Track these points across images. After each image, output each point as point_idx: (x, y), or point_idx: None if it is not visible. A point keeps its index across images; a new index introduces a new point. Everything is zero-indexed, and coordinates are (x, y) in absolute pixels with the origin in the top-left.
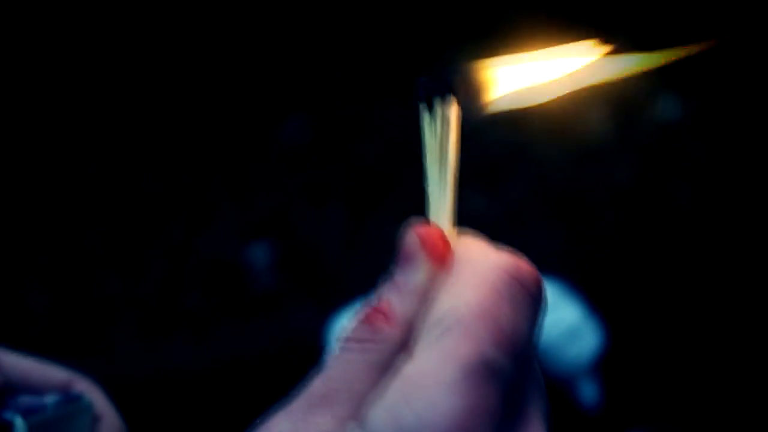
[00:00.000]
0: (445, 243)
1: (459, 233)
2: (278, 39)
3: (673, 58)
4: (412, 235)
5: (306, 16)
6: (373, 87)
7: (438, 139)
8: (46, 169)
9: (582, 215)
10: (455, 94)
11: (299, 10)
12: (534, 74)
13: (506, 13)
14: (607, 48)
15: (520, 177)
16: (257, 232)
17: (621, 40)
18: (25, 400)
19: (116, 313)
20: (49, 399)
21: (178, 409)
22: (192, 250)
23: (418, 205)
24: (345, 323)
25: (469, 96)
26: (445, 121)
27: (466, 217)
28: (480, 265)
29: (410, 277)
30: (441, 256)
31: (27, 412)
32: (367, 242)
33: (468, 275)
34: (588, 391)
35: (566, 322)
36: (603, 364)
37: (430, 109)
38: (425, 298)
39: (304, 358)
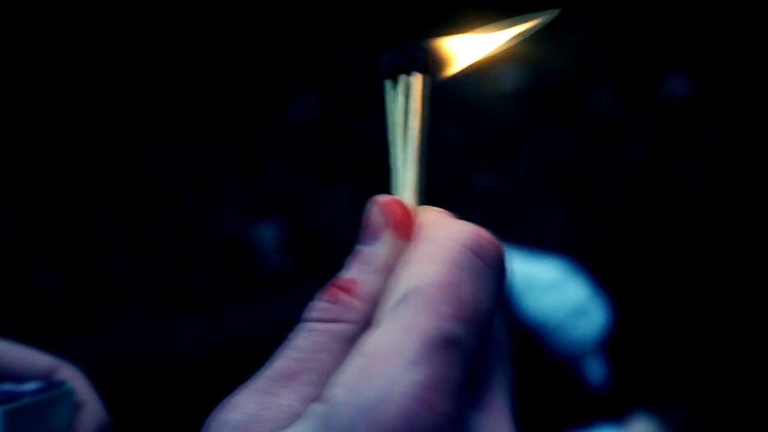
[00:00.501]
0: (409, 217)
1: (423, 207)
2: (286, 16)
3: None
4: (376, 210)
5: None
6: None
7: (402, 113)
8: (53, 149)
9: (589, 193)
10: (419, 69)
11: None
12: (480, 46)
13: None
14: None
15: (527, 155)
16: (265, 211)
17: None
18: (5, 387)
19: (125, 293)
20: (29, 386)
21: (186, 389)
22: (200, 230)
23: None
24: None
25: (431, 70)
26: (410, 96)
27: (474, 195)
28: (441, 239)
29: (374, 251)
30: (404, 230)
31: (4, 399)
32: None
33: (429, 249)
34: (595, 370)
35: (573, 300)
36: (610, 343)
37: (395, 84)
38: (389, 272)
39: None
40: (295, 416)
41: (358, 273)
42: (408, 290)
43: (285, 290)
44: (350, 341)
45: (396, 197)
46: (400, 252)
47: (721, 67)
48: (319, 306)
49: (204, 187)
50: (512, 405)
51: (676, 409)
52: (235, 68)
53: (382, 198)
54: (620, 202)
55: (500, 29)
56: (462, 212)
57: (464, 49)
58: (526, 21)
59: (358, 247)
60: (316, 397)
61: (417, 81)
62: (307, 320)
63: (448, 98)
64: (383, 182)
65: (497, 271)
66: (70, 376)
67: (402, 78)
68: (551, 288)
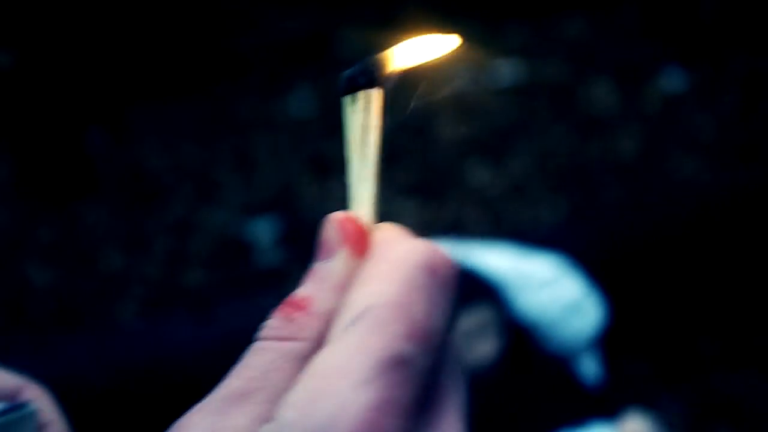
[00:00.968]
0: (365, 234)
1: (380, 224)
2: (280, 13)
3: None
4: (332, 227)
5: None
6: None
7: (360, 130)
8: (48, 147)
9: (585, 188)
10: (378, 85)
11: None
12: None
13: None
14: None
15: (523, 150)
16: (261, 208)
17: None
18: None
19: (119, 290)
20: None
21: (181, 386)
22: (195, 227)
23: (422, 179)
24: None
25: (389, 86)
26: (368, 113)
27: (469, 191)
28: (396, 258)
29: (329, 269)
30: (360, 248)
31: None
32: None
33: (383, 268)
34: (589, 367)
35: (567, 297)
36: (605, 340)
37: (353, 100)
38: (344, 290)
39: None
40: None
41: (313, 290)
42: (361, 310)
43: (280, 287)
44: (304, 360)
45: (353, 214)
46: (355, 270)
47: (717, 62)
48: (273, 324)
49: (199, 184)
50: (465, 423)
51: (671, 406)
52: (231, 65)
53: (338, 215)
54: (616, 197)
55: (440, 40)
56: (458, 207)
57: (414, 59)
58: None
59: (314, 265)
60: (269, 417)
61: (376, 97)
62: (260, 339)
63: (444, 94)
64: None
65: (451, 290)
66: (36, 396)
67: (360, 94)
68: (545, 285)
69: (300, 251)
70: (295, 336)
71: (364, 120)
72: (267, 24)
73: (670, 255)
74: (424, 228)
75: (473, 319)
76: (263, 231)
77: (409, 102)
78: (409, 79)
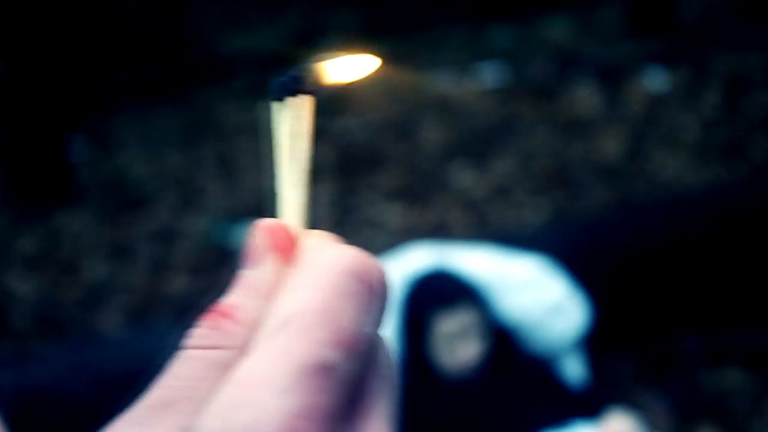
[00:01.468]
0: (292, 241)
1: (307, 231)
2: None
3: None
4: (259, 234)
5: None
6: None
7: (289, 136)
8: (31, 155)
9: (569, 189)
10: (307, 92)
11: None
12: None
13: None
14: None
15: (507, 152)
16: (244, 213)
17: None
18: None
19: (103, 298)
20: None
21: None
22: (179, 234)
23: (406, 182)
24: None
25: (317, 93)
26: (298, 120)
27: (454, 194)
28: (323, 264)
29: (256, 276)
30: (287, 255)
31: None
32: (355, 221)
33: (310, 274)
34: (572, 368)
35: (550, 299)
36: (588, 341)
37: (282, 106)
38: (271, 297)
39: None
40: None
41: (240, 298)
42: (285, 316)
43: None
44: (230, 369)
45: (280, 221)
46: (282, 277)
47: (699, 62)
48: (199, 333)
49: (182, 191)
50: (395, 429)
51: (655, 404)
52: (212, 70)
53: (265, 222)
54: (599, 198)
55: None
56: (442, 210)
57: (345, 71)
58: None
59: (241, 272)
60: (193, 427)
61: (305, 103)
62: (186, 347)
63: (429, 96)
64: (364, 183)
65: (379, 296)
66: None
67: (289, 100)
68: (529, 287)
69: None
70: (220, 344)
71: (293, 126)
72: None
73: (653, 255)
74: (408, 231)
75: (456, 321)
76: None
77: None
78: (336, 90)
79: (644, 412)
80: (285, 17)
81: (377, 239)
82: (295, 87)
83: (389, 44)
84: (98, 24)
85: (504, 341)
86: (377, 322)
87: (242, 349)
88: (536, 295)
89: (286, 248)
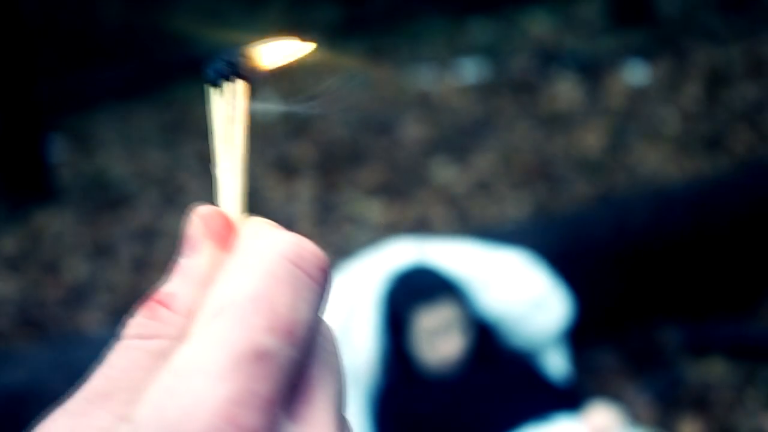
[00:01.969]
0: (230, 228)
1: (247, 217)
2: (242, 15)
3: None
4: (196, 221)
5: None
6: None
7: (226, 121)
8: (11, 155)
9: (551, 183)
10: (243, 76)
11: None
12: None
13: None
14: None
15: (488, 147)
16: None
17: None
18: None
19: (85, 298)
20: None
21: None
22: (161, 232)
23: (387, 178)
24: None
25: (254, 77)
26: (234, 103)
27: (436, 189)
28: (260, 250)
29: (193, 263)
30: (225, 242)
31: None
32: (337, 217)
33: (247, 261)
34: (554, 362)
35: (532, 293)
36: (570, 334)
37: (219, 91)
38: (209, 285)
39: None
40: None
41: (177, 286)
42: (221, 303)
43: None
44: (167, 357)
45: (217, 207)
46: (219, 264)
47: (679, 55)
48: (136, 322)
49: (163, 190)
50: (341, 417)
51: (637, 397)
52: (192, 69)
53: (202, 208)
54: (581, 192)
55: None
56: (423, 205)
57: (280, 55)
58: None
59: (179, 260)
60: (126, 417)
61: (241, 88)
62: (123, 337)
63: (409, 92)
64: (345, 180)
65: (319, 282)
66: None
67: (226, 85)
68: (510, 281)
69: None
70: (158, 333)
71: (229, 112)
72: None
73: (634, 248)
74: (390, 227)
75: (438, 316)
76: None
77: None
78: (274, 74)
79: (626, 405)
80: (265, 14)
81: (359, 235)
82: (230, 72)
83: (369, 40)
84: (78, 23)
85: (485, 336)
86: (317, 308)
87: (179, 337)
88: (518, 289)
89: (223, 235)
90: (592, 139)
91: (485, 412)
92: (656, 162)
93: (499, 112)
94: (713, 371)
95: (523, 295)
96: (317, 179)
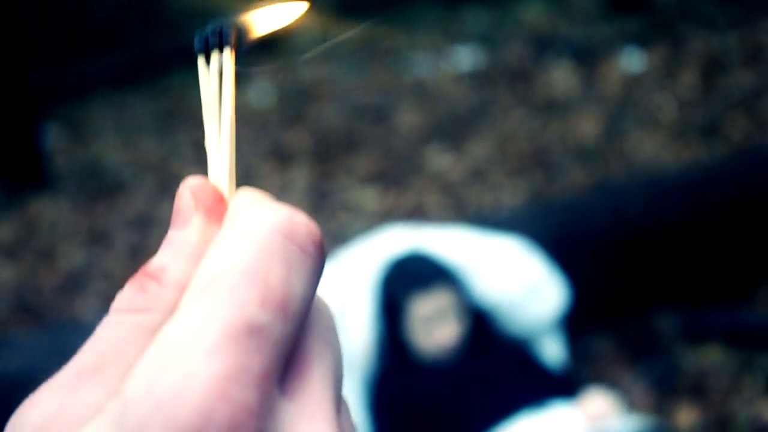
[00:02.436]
0: (220, 200)
1: (237, 190)
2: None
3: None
4: (187, 193)
5: None
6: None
7: (216, 93)
8: (3, 139)
9: (546, 170)
10: (232, 46)
11: None
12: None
13: None
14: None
15: (484, 134)
16: None
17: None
18: None
19: (81, 285)
20: None
21: None
22: (156, 220)
23: (383, 165)
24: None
25: (243, 47)
26: (223, 74)
27: (431, 176)
28: (252, 223)
29: (183, 236)
30: (216, 214)
31: None
32: (332, 205)
33: (238, 234)
34: (551, 348)
35: (528, 279)
36: (566, 320)
37: (207, 61)
38: (200, 259)
39: None
40: (99, 412)
41: (168, 259)
42: (211, 276)
43: None
44: (156, 332)
45: (208, 179)
46: (210, 237)
47: (676, 41)
48: (126, 295)
49: (158, 178)
50: (338, 393)
51: (634, 384)
52: (187, 56)
53: (192, 180)
54: (576, 179)
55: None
56: (419, 193)
57: (268, 22)
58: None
59: (169, 233)
60: (118, 392)
61: (229, 58)
62: (113, 311)
63: (404, 80)
64: (340, 168)
65: (313, 256)
66: None
67: (215, 56)
68: (506, 268)
69: None
70: (147, 307)
71: (218, 82)
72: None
73: (630, 235)
74: (385, 215)
75: (433, 303)
76: None
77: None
78: (264, 42)
79: (623, 392)
80: (260, 2)
81: (354, 223)
82: (219, 41)
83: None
84: (73, 11)
85: (481, 323)
86: (311, 282)
87: (170, 312)
88: (513, 276)
89: (214, 208)
90: (587, 127)
91: (481, 399)
92: (652, 149)
93: (495, 99)
94: (710, 358)
95: (519, 283)
96: (312, 167)
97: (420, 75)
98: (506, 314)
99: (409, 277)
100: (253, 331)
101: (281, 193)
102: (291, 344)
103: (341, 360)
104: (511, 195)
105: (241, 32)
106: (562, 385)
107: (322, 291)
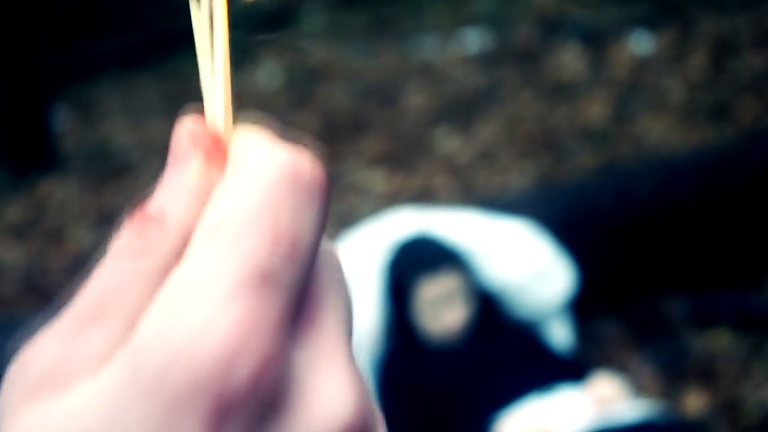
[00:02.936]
0: (220, 141)
1: (238, 129)
2: None
3: None
4: (185, 131)
5: None
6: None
7: (208, 31)
8: (12, 120)
9: (554, 153)
10: None
11: None
12: None
13: None
14: None
15: (492, 117)
16: None
17: None
18: None
19: (89, 267)
20: None
21: None
22: None
23: (391, 147)
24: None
25: None
26: (215, 12)
27: (439, 159)
28: (256, 165)
29: (183, 178)
30: (215, 155)
31: None
32: (340, 187)
33: (244, 176)
34: (558, 332)
35: (536, 263)
36: (575, 304)
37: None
38: (202, 201)
39: None
40: (105, 359)
41: (167, 203)
42: (219, 221)
43: None
44: (160, 278)
45: (208, 119)
46: (211, 180)
47: (685, 24)
48: (124, 240)
49: (167, 159)
50: (350, 343)
51: (642, 368)
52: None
53: (189, 121)
54: (585, 162)
55: None
56: (427, 175)
57: None
58: None
59: (166, 175)
60: (125, 340)
61: None
62: (111, 255)
63: (413, 61)
64: (348, 150)
65: (319, 197)
66: None
67: None
68: (514, 251)
69: None
70: (149, 251)
71: (210, 20)
72: None
73: (639, 218)
74: (393, 197)
75: (440, 286)
76: None
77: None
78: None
79: (631, 376)
80: None
81: (362, 205)
82: None
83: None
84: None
85: (489, 306)
86: (319, 225)
87: (172, 257)
88: (521, 259)
89: (214, 148)
90: (596, 109)
91: (488, 382)
92: (661, 132)
93: (503, 82)
94: (719, 343)
95: (527, 266)
96: (320, 149)
97: (428, 57)
98: (514, 297)
99: (416, 260)
100: (266, 277)
101: None
102: (301, 290)
103: (352, 306)
104: (519, 177)
105: None
106: (570, 369)
107: (328, 238)
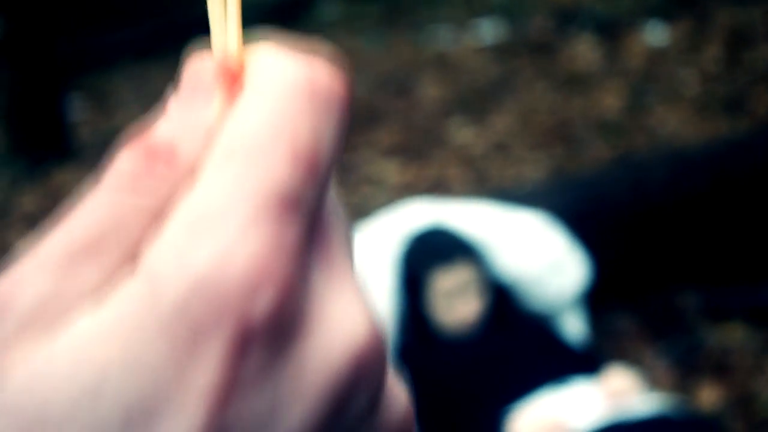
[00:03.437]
0: (238, 74)
1: (249, 46)
2: None
3: None
4: (197, 61)
5: None
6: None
7: None
8: (28, 109)
9: (569, 145)
10: None
11: None
12: None
13: None
14: None
15: (506, 108)
16: None
17: None
18: None
19: None
20: None
21: None
22: None
23: (405, 138)
24: None
25: None
26: None
27: (453, 150)
28: (272, 80)
29: (201, 113)
30: (235, 89)
31: None
32: (354, 178)
33: (259, 93)
34: (572, 325)
35: (550, 255)
36: (588, 297)
37: None
38: (213, 132)
39: None
40: (103, 292)
41: (180, 137)
42: (236, 142)
43: None
44: (162, 212)
45: (218, 45)
46: (223, 112)
47: (700, 15)
48: (126, 172)
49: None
50: (352, 261)
51: (656, 361)
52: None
53: (201, 47)
54: (599, 154)
55: None
56: (441, 166)
57: None
58: None
59: (181, 106)
60: (127, 271)
61: None
62: (109, 187)
63: (427, 52)
64: (362, 141)
65: (338, 111)
66: None
67: None
68: (528, 243)
69: None
70: (153, 191)
71: None
72: None
73: (653, 210)
74: (407, 188)
75: (454, 278)
76: None
77: None
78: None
79: (645, 369)
80: None
81: (376, 196)
82: None
83: (387, 1)
84: None
85: (503, 298)
86: (337, 139)
87: (180, 195)
88: (535, 251)
89: (233, 83)
90: (610, 101)
91: (501, 374)
92: (675, 123)
93: (517, 73)
94: (733, 336)
95: (541, 258)
96: None
97: (443, 48)
98: (528, 289)
99: (430, 252)
100: (286, 198)
101: None
102: (317, 211)
103: (351, 230)
104: (534, 169)
105: None
106: (584, 362)
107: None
